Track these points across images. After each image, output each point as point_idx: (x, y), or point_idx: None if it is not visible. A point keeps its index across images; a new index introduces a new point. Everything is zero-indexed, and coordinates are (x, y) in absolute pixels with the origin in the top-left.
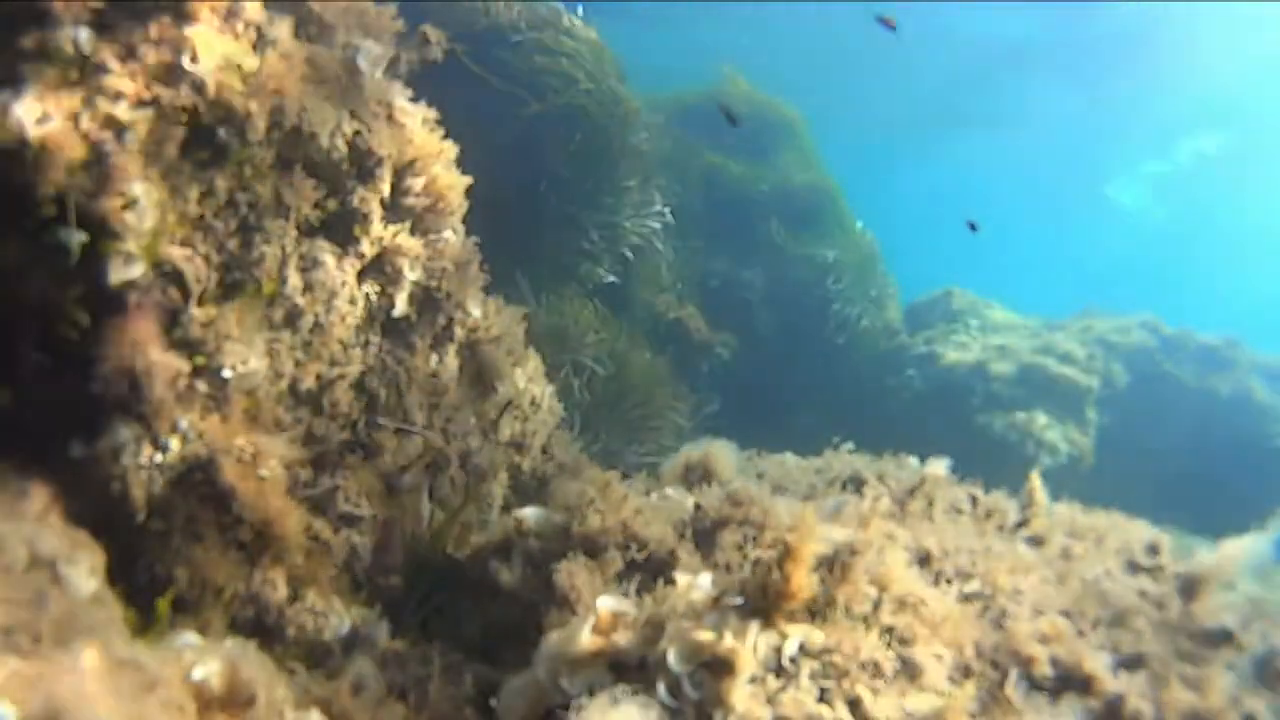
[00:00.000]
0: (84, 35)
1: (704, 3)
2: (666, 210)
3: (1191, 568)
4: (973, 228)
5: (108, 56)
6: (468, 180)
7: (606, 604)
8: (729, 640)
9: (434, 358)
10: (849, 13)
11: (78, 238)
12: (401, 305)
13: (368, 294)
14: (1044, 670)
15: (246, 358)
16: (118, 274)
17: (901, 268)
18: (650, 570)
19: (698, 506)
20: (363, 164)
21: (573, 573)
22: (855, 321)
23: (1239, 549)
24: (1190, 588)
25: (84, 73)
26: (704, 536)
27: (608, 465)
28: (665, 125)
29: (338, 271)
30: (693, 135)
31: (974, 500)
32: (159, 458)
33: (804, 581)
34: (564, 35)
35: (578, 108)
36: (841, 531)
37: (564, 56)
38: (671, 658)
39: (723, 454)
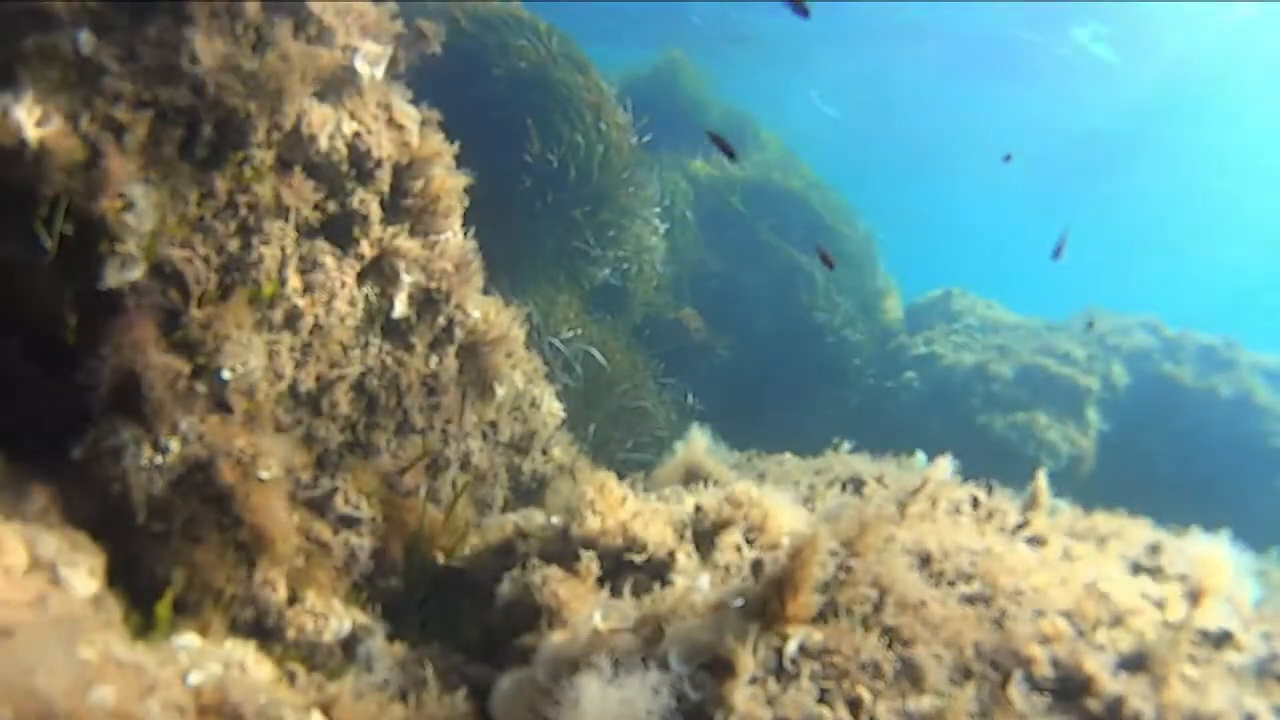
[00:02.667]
0: (84, 37)
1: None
2: (658, 209)
3: (1192, 577)
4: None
5: (107, 58)
6: (466, 180)
7: (600, 617)
8: (730, 641)
9: (434, 359)
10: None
11: (51, 241)
12: (401, 306)
13: (367, 295)
14: (1044, 671)
15: (246, 359)
16: (117, 275)
17: (902, 268)
18: (650, 571)
19: (698, 508)
20: (362, 165)
21: (554, 583)
22: (838, 329)
23: (1220, 556)
24: (1194, 595)
25: (84, 74)
26: (703, 538)
27: (597, 458)
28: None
29: (337, 273)
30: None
31: (975, 501)
32: (159, 459)
33: (804, 605)
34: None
35: (552, 93)
36: (843, 534)
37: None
38: (673, 659)
39: (704, 449)
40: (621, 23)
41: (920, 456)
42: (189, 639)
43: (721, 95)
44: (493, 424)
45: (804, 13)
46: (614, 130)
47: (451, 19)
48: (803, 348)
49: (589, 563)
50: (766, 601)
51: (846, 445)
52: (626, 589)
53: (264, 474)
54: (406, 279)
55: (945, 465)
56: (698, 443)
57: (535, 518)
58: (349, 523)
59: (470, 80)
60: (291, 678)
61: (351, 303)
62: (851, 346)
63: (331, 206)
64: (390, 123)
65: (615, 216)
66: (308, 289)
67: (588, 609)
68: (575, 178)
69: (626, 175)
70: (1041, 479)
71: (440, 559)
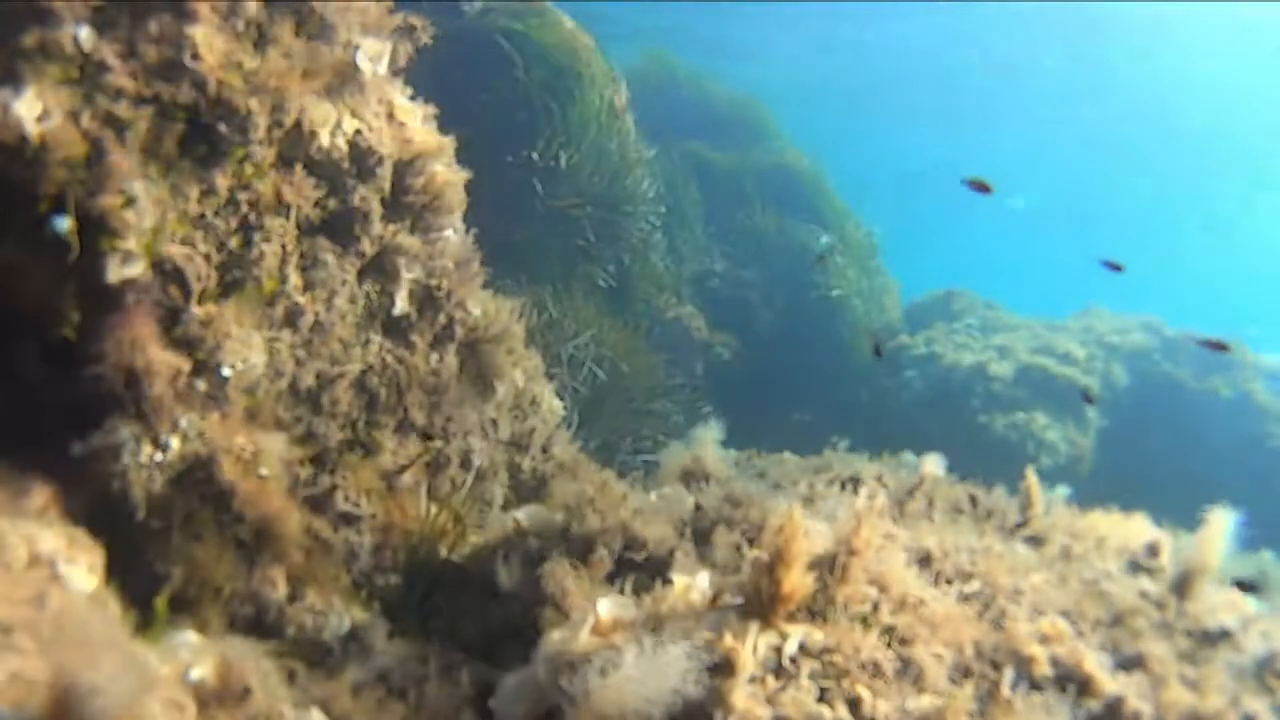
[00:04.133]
0: (84, 33)
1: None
2: (661, 205)
3: (1181, 564)
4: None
5: (108, 54)
6: (466, 176)
7: (605, 607)
8: (729, 640)
9: (434, 356)
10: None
11: (69, 225)
12: (401, 304)
13: (368, 292)
14: (1044, 670)
15: (246, 356)
16: (117, 272)
17: (902, 268)
18: (650, 570)
19: (698, 507)
20: (363, 162)
21: (561, 575)
22: (845, 301)
23: (1217, 535)
24: (1182, 584)
25: (84, 70)
26: (703, 536)
27: (604, 461)
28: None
29: (338, 270)
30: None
31: (974, 500)
32: (159, 456)
33: (797, 584)
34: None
35: (564, 92)
36: (840, 531)
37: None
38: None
39: (714, 450)
40: None
41: (909, 456)
42: (188, 636)
43: (721, 81)
44: (493, 422)
45: (985, 189)
46: (622, 126)
47: (463, 14)
48: (806, 343)
49: (602, 555)
50: (759, 587)
51: (844, 444)
52: (627, 587)
53: (264, 471)
54: (407, 276)
55: (935, 461)
56: (706, 441)
57: (534, 515)
58: (349, 520)
59: (480, 76)
60: (291, 675)
61: (352, 300)
62: (860, 324)
63: (332, 204)
64: (391, 119)
65: (620, 215)
66: (308, 286)
67: (589, 602)
68: (585, 176)
69: (633, 172)
70: (1031, 476)
71: (440, 557)
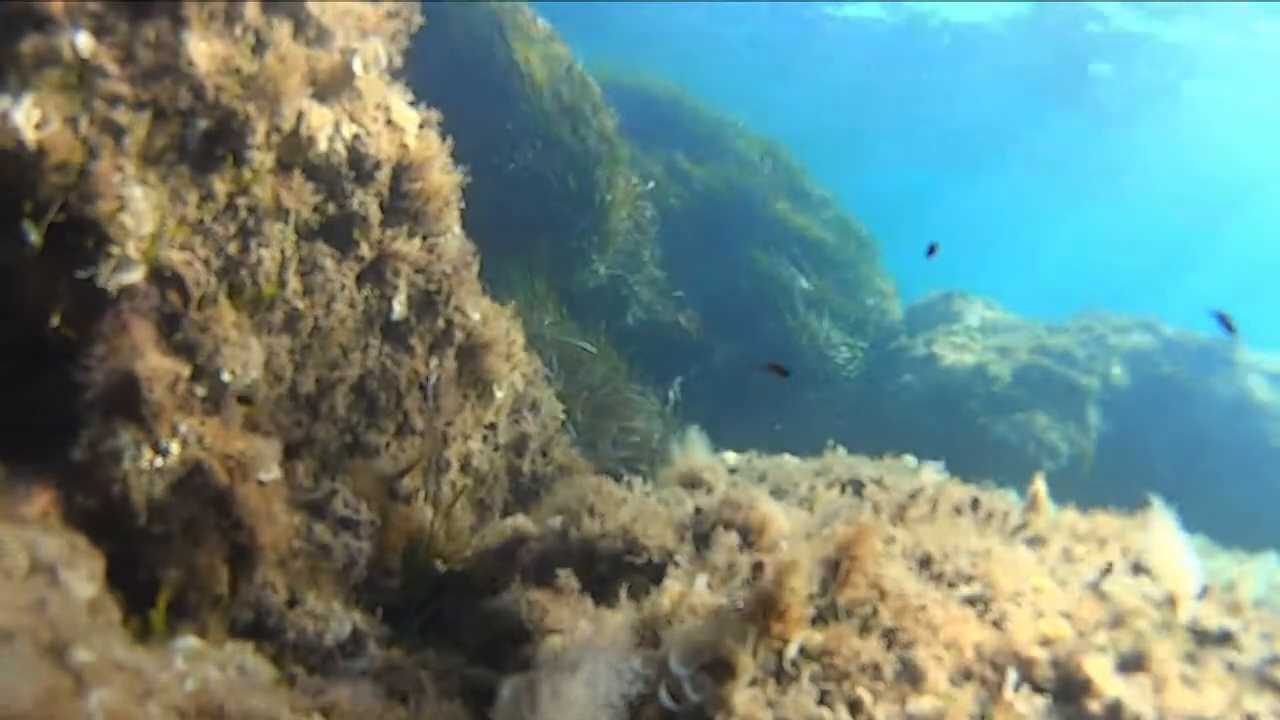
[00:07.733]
0: (83, 38)
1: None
2: (651, 215)
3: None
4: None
5: (106, 60)
6: (462, 179)
7: (605, 610)
8: (729, 642)
9: (433, 361)
10: None
11: (35, 237)
12: (400, 308)
13: (366, 297)
14: (1044, 673)
15: (245, 361)
16: (116, 277)
17: (902, 269)
18: (649, 574)
19: (698, 510)
20: (361, 167)
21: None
22: (820, 347)
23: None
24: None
25: (82, 76)
26: (703, 540)
27: (591, 460)
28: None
29: (337, 275)
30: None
31: (975, 502)
32: (159, 461)
33: (796, 619)
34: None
35: (542, 93)
36: (841, 535)
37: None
38: (673, 661)
39: (703, 452)
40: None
41: (910, 459)
42: (189, 641)
43: (702, 94)
44: (492, 426)
45: (1228, 327)
46: (609, 133)
47: (451, 18)
48: (801, 346)
49: (568, 579)
50: (755, 618)
51: (841, 449)
52: (623, 592)
53: (263, 476)
54: (406, 280)
55: (934, 469)
56: (697, 445)
57: (534, 519)
58: (348, 525)
59: (466, 83)
60: (292, 680)
61: (351, 304)
62: (834, 362)
63: (331, 208)
64: (389, 124)
65: (613, 223)
66: (307, 291)
67: (579, 619)
68: (574, 184)
69: (622, 178)
70: (1039, 482)
71: (440, 561)
